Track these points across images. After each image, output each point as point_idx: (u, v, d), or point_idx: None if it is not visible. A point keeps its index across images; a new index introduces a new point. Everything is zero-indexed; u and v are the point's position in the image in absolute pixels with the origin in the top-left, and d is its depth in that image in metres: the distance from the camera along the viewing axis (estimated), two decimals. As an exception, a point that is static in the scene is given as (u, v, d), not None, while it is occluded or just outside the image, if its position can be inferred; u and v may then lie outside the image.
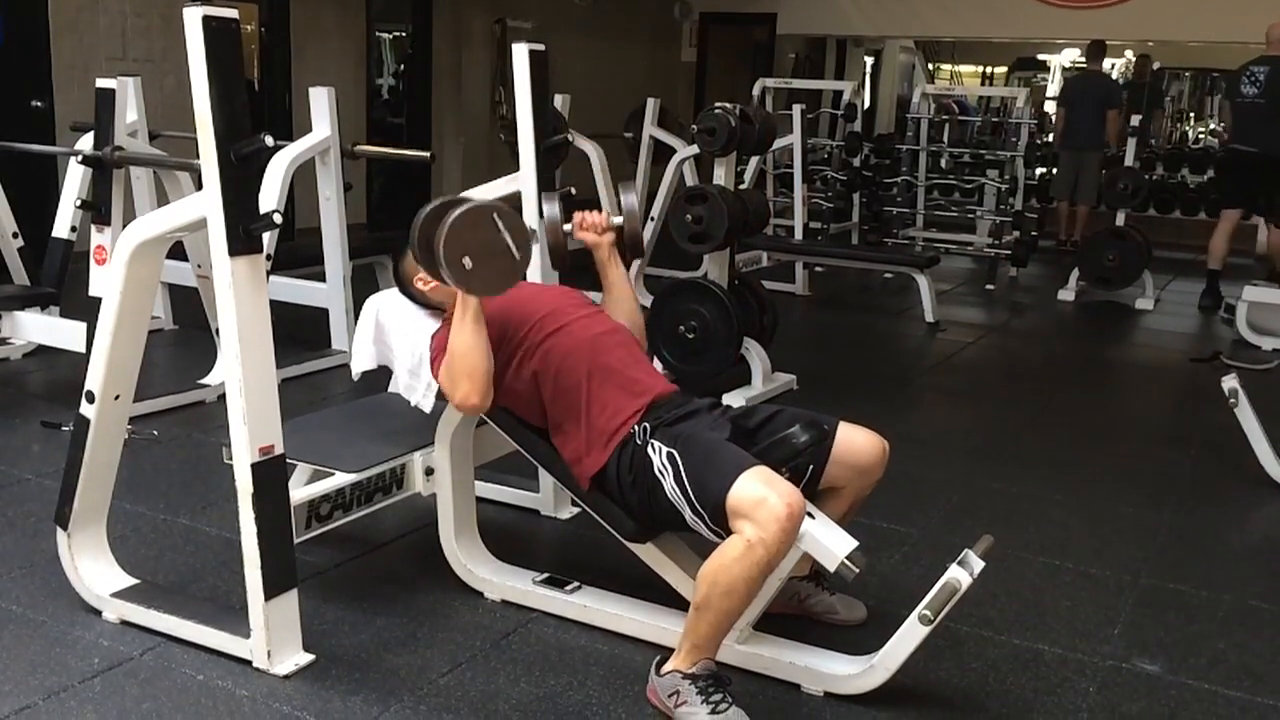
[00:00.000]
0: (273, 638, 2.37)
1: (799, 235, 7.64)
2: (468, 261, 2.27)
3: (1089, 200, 9.04)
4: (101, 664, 2.41)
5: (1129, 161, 7.32)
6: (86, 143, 4.23)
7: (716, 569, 2.18)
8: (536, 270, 3.16)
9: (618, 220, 2.75)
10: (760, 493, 2.16)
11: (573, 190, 3.52)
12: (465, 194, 2.45)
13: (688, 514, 2.30)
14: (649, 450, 2.37)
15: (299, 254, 5.51)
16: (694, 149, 6.63)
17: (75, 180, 4.46)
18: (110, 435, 2.54)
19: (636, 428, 2.42)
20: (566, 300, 2.70)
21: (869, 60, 15.38)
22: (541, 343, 2.53)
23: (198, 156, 2.23)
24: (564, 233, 2.72)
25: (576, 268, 2.99)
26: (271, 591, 2.34)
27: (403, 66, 9.88)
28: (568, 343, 2.53)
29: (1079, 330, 6.96)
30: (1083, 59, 10.05)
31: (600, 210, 2.77)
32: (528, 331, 2.54)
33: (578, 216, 2.74)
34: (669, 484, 2.31)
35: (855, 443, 2.50)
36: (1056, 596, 2.98)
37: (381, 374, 2.88)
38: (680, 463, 2.31)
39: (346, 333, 4.87)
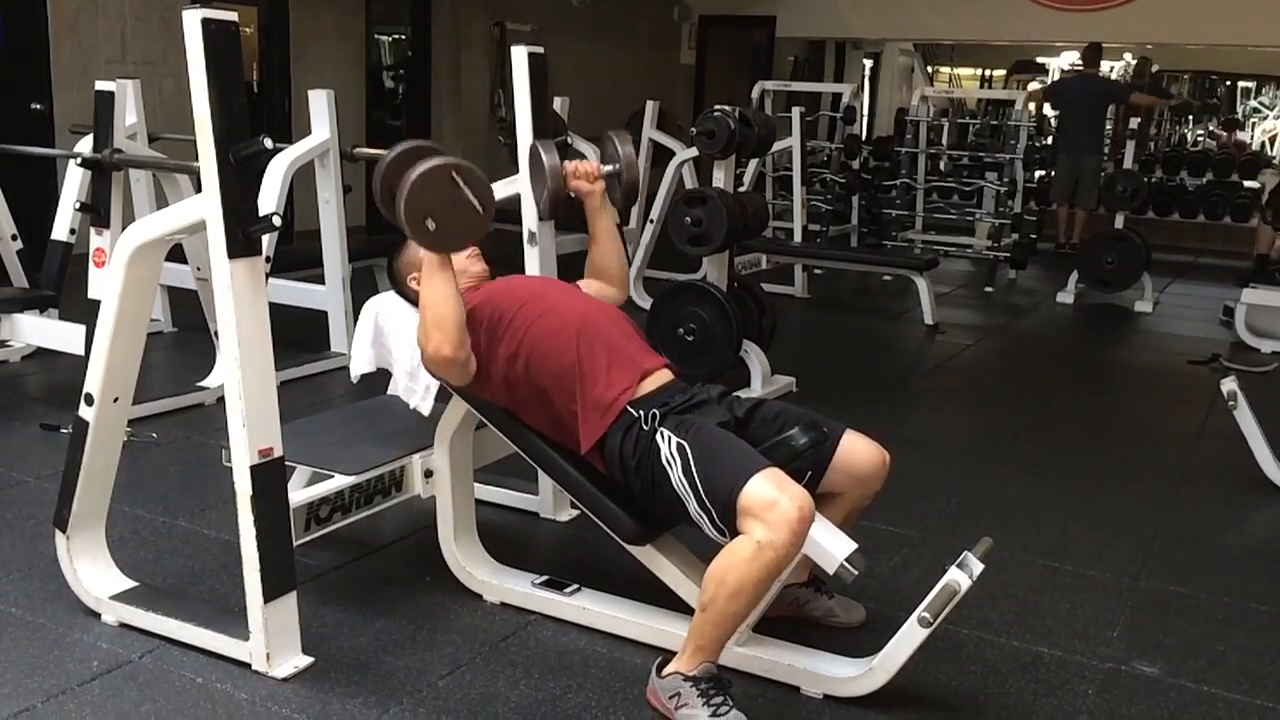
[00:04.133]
0: (272, 640, 2.37)
1: (798, 238, 7.65)
2: (430, 223, 2.26)
3: (1088, 204, 9.05)
4: (100, 667, 2.41)
5: (1128, 164, 7.32)
6: (86, 145, 4.23)
7: (724, 570, 2.18)
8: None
9: (608, 169, 2.76)
10: (772, 495, 2.16)
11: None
12: (427, 144, 2.43)
13: (692, 507, 2.29)
14: (657, 438, 2.35)
15: (298, 256, 5.51)
16: (693, 151, 6.64)
17: (74, 183, 4.46)
18: (109, 438, 2.54)
19: (643, 412, 2.40)
20: (549, 285, 2.71)
21: (868, 63, 15.39)
22: (529, 327, 2.50)
23: (197, 159, 2.23)
24: (563, 180, 2.73)
25: (568, 269, 3.00)
26: (270, 594, 2.34)
27: (402, 69, 9.88)
28: (554, 323, 2.51)
29: (1078, 333, 6.96)
30: (1080, 62, 10.06)
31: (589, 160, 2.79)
32: (513, 319, 2.52)
33: (569, 165, 2.75)
34: (676, 475, 2.30)
35: (857, 451, 2.50)
36: (1056, 599, 2.98)
37: (381, 376, 2.88)
38: (690, 455, 2.29)
39: (345, 335, 4.87)
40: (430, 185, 2.25)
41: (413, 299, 2.73)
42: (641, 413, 2.40)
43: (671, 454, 2.32)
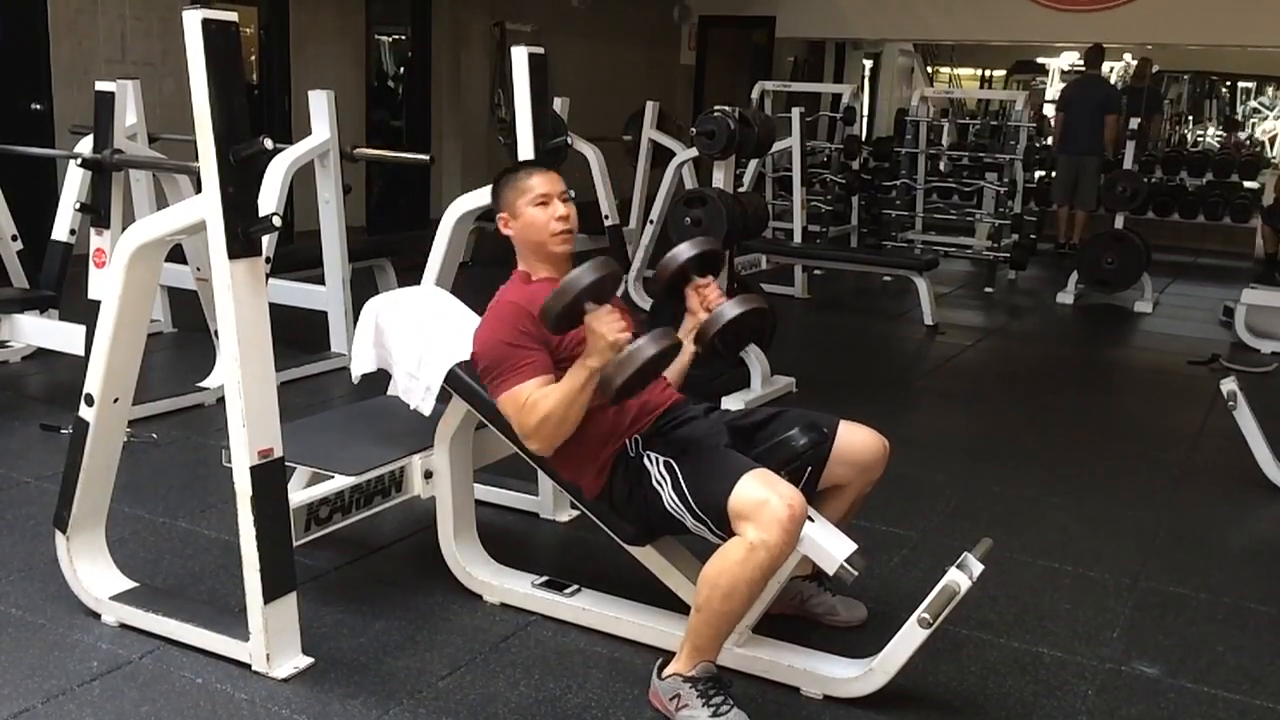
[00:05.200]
0: (272, 641, 2.37)
1: (798, 238, 7.65)
2: (618, 379, 2.22)
3: (1087, 205, 9.04)
4: (100, 667, 2.41)
5: (1128, 165, 7.32)
6: (86, 145, 4.23)
7: (718, 571, 2.18)
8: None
9: (731, 313, 2.49)
10: (762, 495, 2.17)
11: (572, 193, 3.52)
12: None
13: (690, 522, 2.31)
14: (645, 461, 2.37)
15: (298, 257, 5.51)
16: (693, 152, 6.63)
17: (74, 183, 4.46)
18: (109, 438, 2.54)
19: (629, 441, 2.42)
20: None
21: (868, 63, 15.40)
22: (567, 359, 2.42)
23: (197, 159, 2.23)
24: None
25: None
26: (270, 594, 2.34)
27: (402, 69, 9.88)
28: None
29: (1078, 333, 6.96)
30: (1081, 62, 10.06)
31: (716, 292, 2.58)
32: (557, 347, 2.44)
33: (709, 292, 2.55)
34: (668, 494, 2.32)
35: (855, 441, 2.51)
36: (1056, 599, 2.98)
37: (381, 376, 2.88)
38: (678, 471, 2.31)
39: (346, 335, 4.87)
40: (645, 368, 2.21)
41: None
42: (627, 441, 2.41)
43: (661, 475, 2.33)
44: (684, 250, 2.55)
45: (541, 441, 2.37)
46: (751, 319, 2.48)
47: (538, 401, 2.34)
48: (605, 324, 2.22)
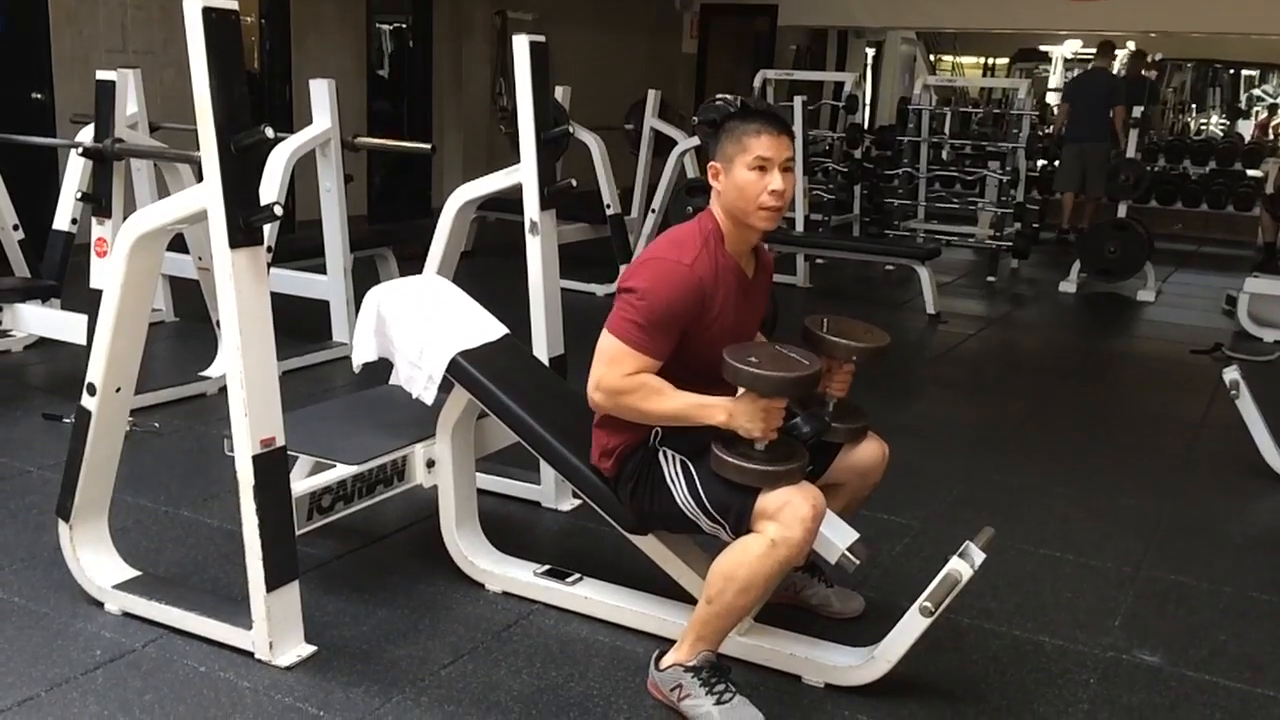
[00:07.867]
0: (274, 629, 2.37)
1: (800, 227, 7.63)
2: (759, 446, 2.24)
3: (1099, 191, 9.02)
4: (104, 656, 2.41)
5: (1131, 153, 7.31)
6: (87, 135, 4.22)
7: (735, 565, 2.18)
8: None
9: (838, 435, 2.51)
10: (784, 495, 2.17)
11: (573, 182, 3.52)
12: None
13: (704, 523, 2.29)
14: (660, 457, 2.35)
15: (300, 246, 5.51)
16: (695, 141, 6.64)
17: (76, 172, 4.47)
18: (111, 427, 2.54)
19: (651, 432, 2.38)
20: (739, 331, 2.45)
21: (870, 51, 15.36)
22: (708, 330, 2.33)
23: (198, 148, 2.23)
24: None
25: (570, 259, 2.98)
26: (273, 583, 2.35)
27: (403, 58, 9.86)
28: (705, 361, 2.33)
29: (1080, 322, 6.95)
30: (1085, 50, 10.03)
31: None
32: (709, 317, 2.32)
33: (841, 379, 2.54)
34: (681, 494, 2.30)
35: (858, 446, 2.51)
36: (1057, 588, 2.98)
37: (383, 365, 2.88)
38: (695, 474, 2.29)
39: (347, 325, 4.88)
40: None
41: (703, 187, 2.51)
42: (652, 433, 2.38)
43: (675, 473, 2.32)
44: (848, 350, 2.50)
45: (605, 404, 2.28)
46: (844, 438, 2.51)
47: (644, 383, 2.23)
48: (763, 420, 2.17)
